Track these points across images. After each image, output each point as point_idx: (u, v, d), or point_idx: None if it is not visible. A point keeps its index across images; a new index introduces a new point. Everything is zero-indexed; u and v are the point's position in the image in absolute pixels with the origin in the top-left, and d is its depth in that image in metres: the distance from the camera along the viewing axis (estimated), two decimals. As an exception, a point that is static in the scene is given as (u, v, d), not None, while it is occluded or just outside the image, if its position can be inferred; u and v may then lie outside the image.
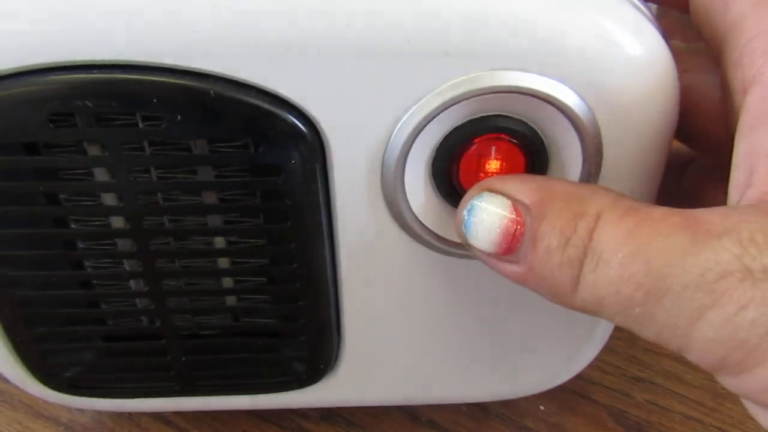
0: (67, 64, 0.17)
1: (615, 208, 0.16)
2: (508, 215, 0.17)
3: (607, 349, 0.27)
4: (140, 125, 0.18)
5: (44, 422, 0.29)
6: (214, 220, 0.21)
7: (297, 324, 0.22)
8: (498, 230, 0.17)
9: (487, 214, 0.18)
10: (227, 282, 0.22)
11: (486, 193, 0.18)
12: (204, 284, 0.22)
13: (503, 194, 0.18)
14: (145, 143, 0.19)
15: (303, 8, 0.17)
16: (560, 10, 0.18)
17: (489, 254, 0.18)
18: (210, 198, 0.20)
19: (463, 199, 0.18)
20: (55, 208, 0.20)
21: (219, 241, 0.21)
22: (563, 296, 0.17)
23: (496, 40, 0.18)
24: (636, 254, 0.15)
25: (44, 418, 0.29)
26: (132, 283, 0.22)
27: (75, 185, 0.20)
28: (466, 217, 0.18)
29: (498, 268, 0.18)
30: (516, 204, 0.17)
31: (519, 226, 0.17)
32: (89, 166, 0.19)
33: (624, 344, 0.34)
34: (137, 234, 0.20)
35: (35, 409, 0.29)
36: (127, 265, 0.21)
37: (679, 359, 0.33)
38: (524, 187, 0.17)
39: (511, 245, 0.17)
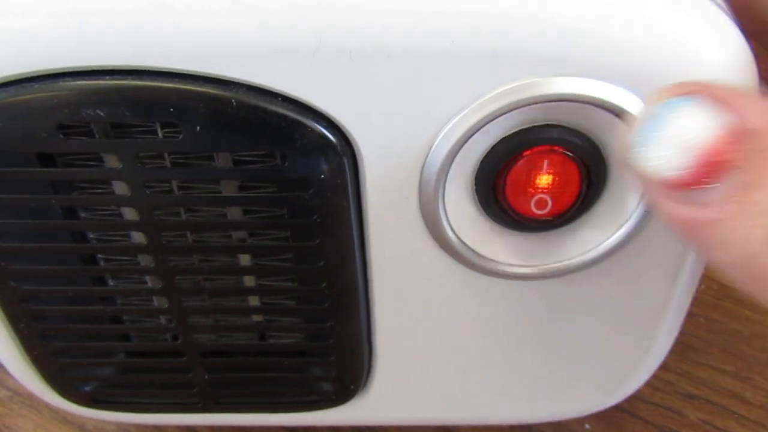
0: (78, 70, 0.16)
1: None
2: (722, 133, 0.12)
3: (657, 362, 0.25)
4: (159, 135, 0.17)
5: (69, 428, 0.28)
6: (239, 236, 0.19)
7: (325, 344, 0.21)
8: (699, 149, 0.12)
9: (686, 126, 0.13)
10: (253, 300, 0.21)
11: (691, 97, 0.13)
12: (228, 302, 0.20)
13: (720, 105, 0.13)
14: (165, 155, 0.17)
15: (333, 7, 0.15)
16: (626, 7, 0.15)
17: (666, 183, 0.13)
18: (234, 212, 0.19)
19: (647, 105, 0.13)
20: (73, 222, 0.19)
21: (244, 258, 0.20)
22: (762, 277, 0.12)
23: (551, 41, 0.15)
24: None
25: (69, 424, 0.28)
26: (154, 300, 0.21)
27: (91, 198, 0.18)
28: (646, 126, 0.13)
29: (665, 209, 0.13)
30: (735, 124, 0.12)
31: (733, 153, 0.12)
32: (103, 179, 0.18)
33: (676, 357, 0.31)
34: (157, 250, 0.19)
35: (61, 415, 0.29)
36: (149, 280, 0.20)
37: (738, 375, 0.31)
38: (755, 107, 0.12)
39: (710, 174, 0.12)
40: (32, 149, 0.17)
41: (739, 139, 0.12)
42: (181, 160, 0.18)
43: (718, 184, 0.12)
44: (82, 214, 0.19)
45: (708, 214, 0.13)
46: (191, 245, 0.19)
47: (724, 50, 0.15)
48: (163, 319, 0.21)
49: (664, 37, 0.15)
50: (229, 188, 0.19)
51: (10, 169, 0.17)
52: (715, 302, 0.33)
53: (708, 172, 0.12)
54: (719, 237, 0.13)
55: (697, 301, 0.34)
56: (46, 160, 0.18)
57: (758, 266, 0.12)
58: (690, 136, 0.13)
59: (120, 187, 0.18)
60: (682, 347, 0.32)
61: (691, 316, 0.34)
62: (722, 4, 0.16)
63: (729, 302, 0.33)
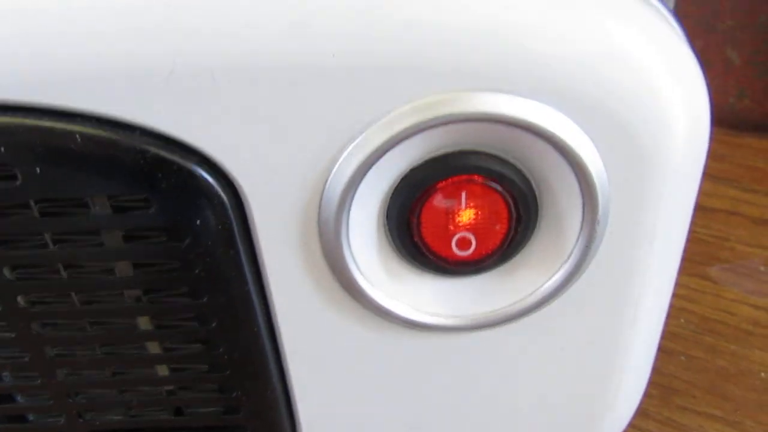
0: None
1: None
2: None
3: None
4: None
5: None
6: (132, 294, 0.17)
7: (237, 417, 0.18)
8: None
9: None
10: (153, 370, 0.18)
11: None
12: (132, 373, 0.17)
13: None
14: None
15: (189, 24, 0.13)
16: (567, 16, 0.13)
17: None
18: (123, 268, 0.16)
19: None
20: None
21: (143, 320, 0.17)
22: None
23: (465, 50, 0.13)
24: None
25: None
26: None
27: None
28: None
29: None
30: None
31: None
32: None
33: (656, 403, 0.29)
34: (23, 316, 0.16)
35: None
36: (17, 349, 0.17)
37: (727, 420, 0.28)
38: None
39: None
40: None
41: None
42: (50, 209, 0.15)
43: None
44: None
45: None
46: (63, 309, 0.16)
47: (664, 57, 0.13)
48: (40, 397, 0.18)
49: (598, 49, 0.13)
50: (113, 240, 0.16)
51: None
52: (695, 337, 0.31)
53: None
54: None
55: (675, 336, 0.32)
56: None
57: None
58: None
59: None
60: (662, 390, 0.29)
61: (669, 355, 0.31)
62: (676, 25, 0.14)
63: (711, 336, 0.31)
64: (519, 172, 0.14)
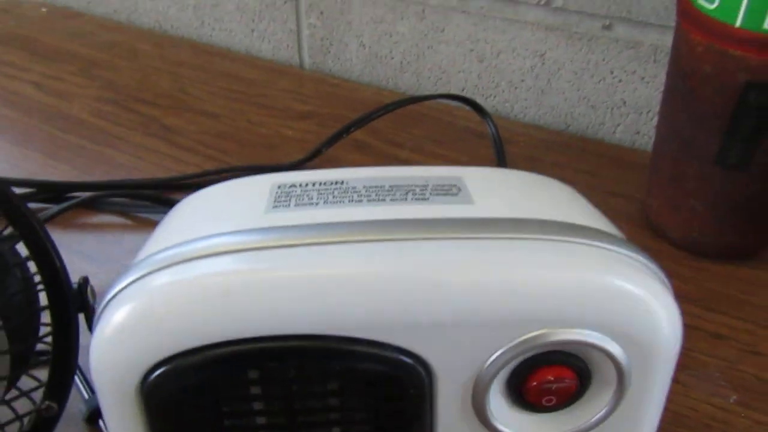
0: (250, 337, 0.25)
1: None
2: None
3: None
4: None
5: None
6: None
7: None
8: None
9: None
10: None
11: None
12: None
13: None
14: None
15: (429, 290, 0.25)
16: (604, 282, 0.25)
17: None
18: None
19: None
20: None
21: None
22: None
23: (556, 306, 0.25)
24: None
25: None
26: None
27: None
28: None
29: None
30: None
31: None
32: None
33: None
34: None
35: None
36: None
37: None
38: None
39: None
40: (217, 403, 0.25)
41: None
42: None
43: None
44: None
45: None
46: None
47: (664, 307, 0.25)
48: None
49: (632, 304, 0.25)
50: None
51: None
52: (670, 428, 0.38)
53: None
54: None
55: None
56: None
57: None
58: None
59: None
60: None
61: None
62: (665, 279, 0.26)
63: (683, 428, 0.38)
64: (583, 361, 0.26)
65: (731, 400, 0.40)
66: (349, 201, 0.27)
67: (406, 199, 0.28)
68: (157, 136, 0.68)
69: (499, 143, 0.62)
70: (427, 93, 0.75)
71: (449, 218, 0.26)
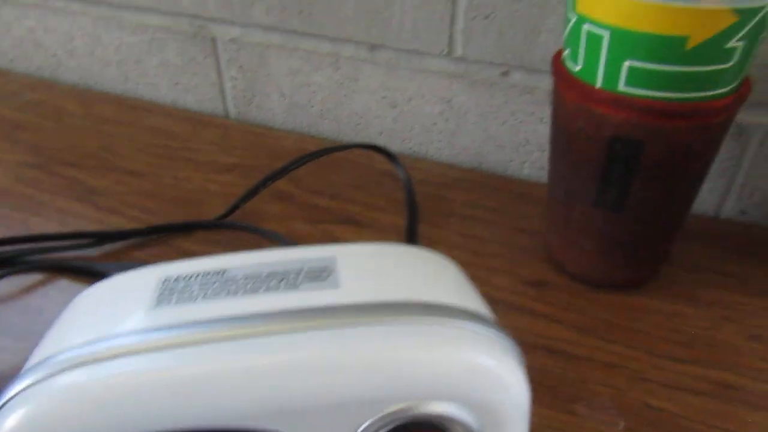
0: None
1: None
2: None
3: None
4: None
5: None
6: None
7: None
8: None
9: None
10: None
11: None
12: None
13: None
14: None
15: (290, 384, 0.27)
16: (459, 358, 0.29)
17: None
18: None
19: None
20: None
21: None
22: None
23: (412, 381, 0.28)
24: None
25: None
26: None
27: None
28: None
29: None
30: None
31: None
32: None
33: (544, 500, 0.43)
34: None
35: None
36: None
37: None
38: None
39: None
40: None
41: None
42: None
43: None
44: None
45: None
46: None
47: (512, 374, 0.29)
48: None
49: (482, 374, 0.28)
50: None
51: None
52: None
53: None
54: None
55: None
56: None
57: None
58: None
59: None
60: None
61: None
62: (512, 345, 0.30)
63: None
64: (443, 428, 0.29)
65: (620, 428, 0.43)
66: (226, 294, 0.30)
67: (278, 288, 0.30)
68: (82, 200, 0.69)
69: (410, 188, 0.66)
70: (347, 138, 0.78)
71: (314, 307, 0.29)
